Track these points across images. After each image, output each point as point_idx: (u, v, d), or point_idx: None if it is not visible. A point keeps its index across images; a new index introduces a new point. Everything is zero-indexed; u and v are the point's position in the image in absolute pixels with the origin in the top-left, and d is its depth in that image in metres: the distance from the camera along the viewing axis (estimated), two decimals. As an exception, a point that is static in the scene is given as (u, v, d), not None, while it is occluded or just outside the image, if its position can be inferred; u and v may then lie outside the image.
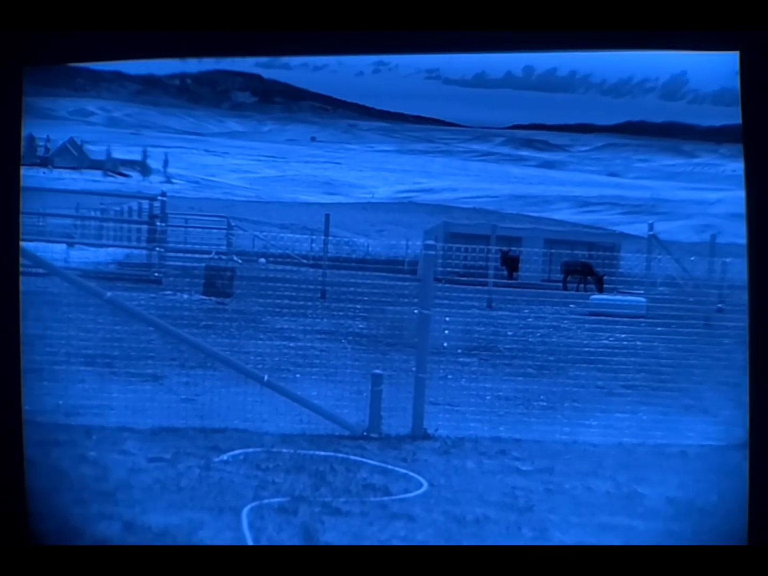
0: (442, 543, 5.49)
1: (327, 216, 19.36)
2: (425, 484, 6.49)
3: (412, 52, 4.54)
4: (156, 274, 15.91)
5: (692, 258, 19.00)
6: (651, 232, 19.68)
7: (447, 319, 10.51)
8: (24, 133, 4.83)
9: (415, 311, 8.32)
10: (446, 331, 10.56)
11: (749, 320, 3.97)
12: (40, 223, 20.04)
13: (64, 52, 4.70)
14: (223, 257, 18.35)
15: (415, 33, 4.17)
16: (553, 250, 23.03)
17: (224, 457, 6.86)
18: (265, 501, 5.96)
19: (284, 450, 7.06)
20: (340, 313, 11.77)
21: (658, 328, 11.43)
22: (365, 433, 7.68)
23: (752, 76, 3.88)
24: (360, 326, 11.69)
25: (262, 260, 19.63)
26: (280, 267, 18.19)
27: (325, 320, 11.91)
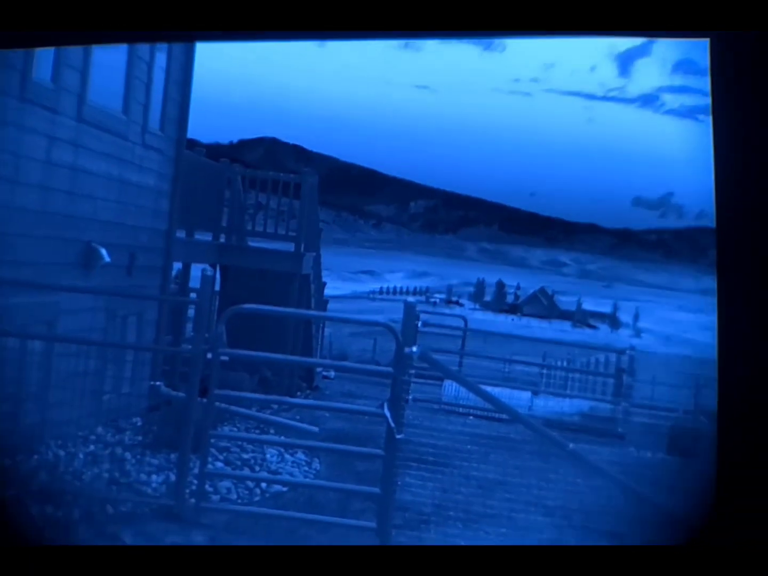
0: None
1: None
2: None
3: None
4: (620, 430, 15.68)
5: None
6: None
7: None
8: None
9: None
10: None
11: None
12: (506, 370, 20.56)
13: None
14: (690, 416, 17.75)
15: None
16: None
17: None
18: None
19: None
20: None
21: None
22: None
23: (722, 63, 3.82)
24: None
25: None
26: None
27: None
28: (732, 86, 3.84)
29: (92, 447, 9.50)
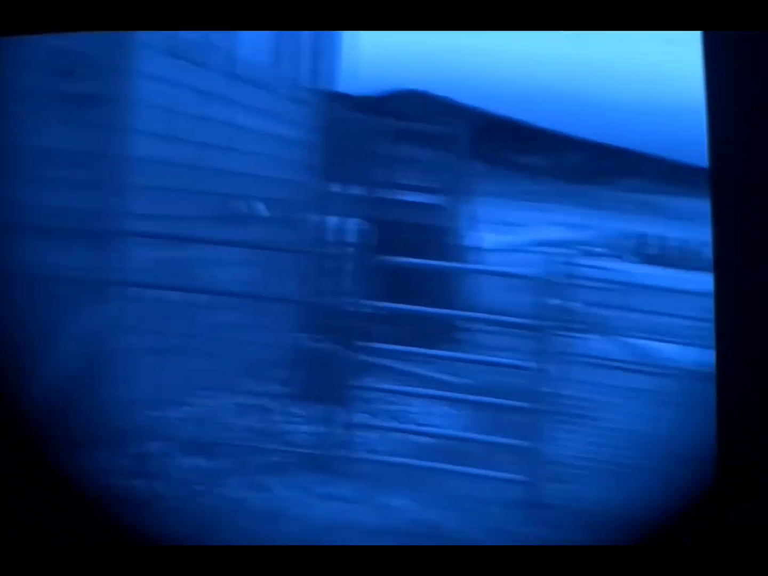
0: None
1: None
2: None
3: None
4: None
5: None
6: None
7: None
8: None
9: None
10: None
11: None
12: (656, 322, 20.08)
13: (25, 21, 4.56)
14: None
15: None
16: None
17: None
18: None
19: None
20: None
21: None
22: None
23: (714, 57, 3.68)
24: None
25: None
26: None
27: None
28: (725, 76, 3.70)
29: (239, 398, 9.67)
